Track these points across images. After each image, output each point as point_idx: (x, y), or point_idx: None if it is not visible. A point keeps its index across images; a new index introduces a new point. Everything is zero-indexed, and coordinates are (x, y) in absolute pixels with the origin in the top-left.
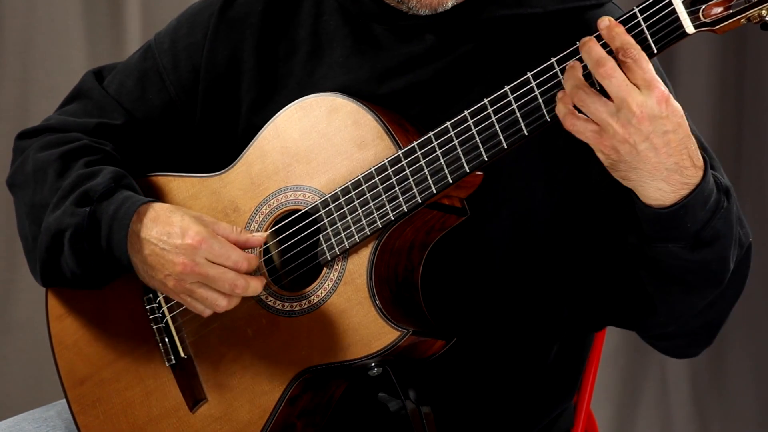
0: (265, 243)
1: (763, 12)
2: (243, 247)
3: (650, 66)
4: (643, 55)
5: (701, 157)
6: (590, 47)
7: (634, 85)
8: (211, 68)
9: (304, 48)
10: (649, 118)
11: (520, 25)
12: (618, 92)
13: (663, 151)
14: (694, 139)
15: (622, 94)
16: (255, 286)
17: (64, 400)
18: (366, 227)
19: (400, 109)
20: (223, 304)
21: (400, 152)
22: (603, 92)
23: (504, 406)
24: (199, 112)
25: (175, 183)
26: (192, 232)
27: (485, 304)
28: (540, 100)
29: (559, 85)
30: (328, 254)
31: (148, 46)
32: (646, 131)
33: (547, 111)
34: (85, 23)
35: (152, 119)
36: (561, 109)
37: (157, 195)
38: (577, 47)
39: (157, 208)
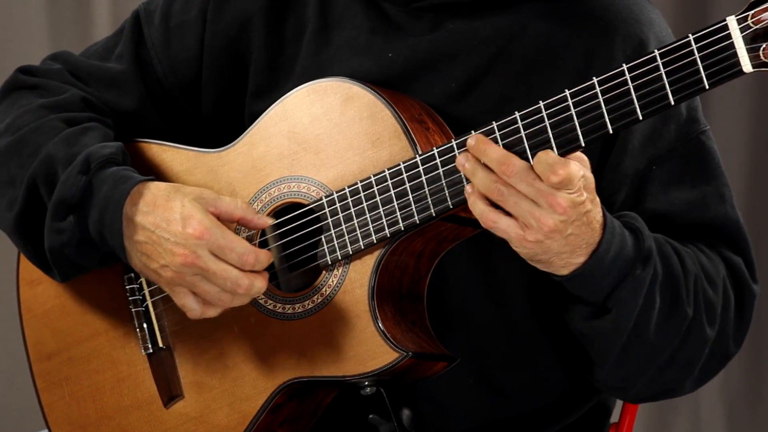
0: (263, 235)
1: None
2: (247, 225)
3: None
4: (518, 166)
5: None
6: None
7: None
8: (218, 49)
9: (311, 26)
10: (572, 207)
11: (532, 11)
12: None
13: (586, 228)
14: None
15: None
16: (259, 286)
17: None
18: (373, 234)
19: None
20: (227, 300)
21: (418, 158)
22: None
23: (505, 413)
24: (206, 99)
25: (169, 154)
26: (194, 221)
27: (492, 310)
28: (575, 121)
29: (597, 108)
30: (329, 257)
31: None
32: (572, 217)
33: (582, 134)
34: (48, 16)
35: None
36: (478, 206)
37: (147, 163)
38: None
39: (153, 189)
